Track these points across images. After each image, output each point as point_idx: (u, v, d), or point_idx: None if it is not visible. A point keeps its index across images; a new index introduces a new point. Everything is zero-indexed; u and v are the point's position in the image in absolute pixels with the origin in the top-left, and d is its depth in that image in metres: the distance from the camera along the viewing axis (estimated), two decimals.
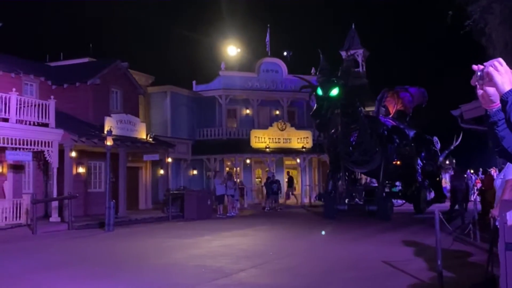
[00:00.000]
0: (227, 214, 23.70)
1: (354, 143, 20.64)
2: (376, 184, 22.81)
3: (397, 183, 25.25)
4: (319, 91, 18.66)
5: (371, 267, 9.58)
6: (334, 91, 18.48)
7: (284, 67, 35.46)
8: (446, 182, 34.18)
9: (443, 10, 13.67)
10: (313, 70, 32.97)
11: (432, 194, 25.60)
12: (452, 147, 27.43)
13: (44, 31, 59.51)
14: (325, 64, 19.83)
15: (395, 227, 17.43)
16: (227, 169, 32.12)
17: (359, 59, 38.70)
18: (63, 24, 61.77)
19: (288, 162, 34.49)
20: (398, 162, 22.48)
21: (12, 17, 49.42)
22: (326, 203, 21.85)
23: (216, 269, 9.45)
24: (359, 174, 25.52)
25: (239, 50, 37.24)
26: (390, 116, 25.05)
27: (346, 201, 22.07)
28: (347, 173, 22.97)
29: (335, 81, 18.74)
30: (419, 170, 23.94)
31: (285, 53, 37.93)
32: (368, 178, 28.75)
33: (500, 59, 2.15)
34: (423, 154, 24.39)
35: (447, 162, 35.34)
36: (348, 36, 38.75)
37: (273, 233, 16.30)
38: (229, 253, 11.57)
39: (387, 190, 23.39)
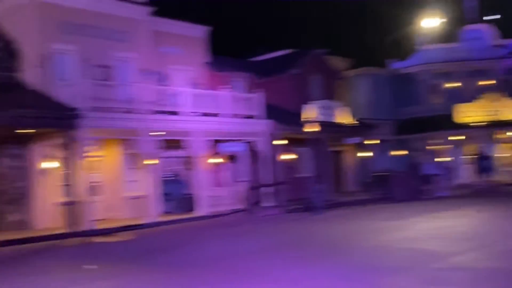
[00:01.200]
0: (437, 194, 22.73)
1: None
2: None
3: None
4: None
5: None
6: None
7: (490, 32, 32.50)
8: None
9: None
10: None
11: None
12: None
13: (246, 27, 63.45)
14: None
15: None
16: (432, 147, 30.72)
17: None
18: (264, 18, 65.08)
19: (502, 136, 31.62)
20: None
21: (216, 19, 53.57)
22: None
23: (429, 252, 9.19)
24: None
25: (436, 20, 35.17)
26: None
27: None
28: None
29: None
30: None
31: (489, 18, 34.72)
32: None
33: None
34: None
35: None
36: None
37: (490, 213, 15.18)
38: (440, 235, 11.14)
39: None
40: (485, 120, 29.55)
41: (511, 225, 12.41)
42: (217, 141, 20.13)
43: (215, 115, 19.85)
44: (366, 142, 25.98)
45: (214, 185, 21.24)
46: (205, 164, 21.39)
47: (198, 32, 23.28)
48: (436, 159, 24.16)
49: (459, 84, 32.25)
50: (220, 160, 22.09)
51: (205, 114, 19.36)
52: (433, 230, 12.03)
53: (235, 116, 20.61)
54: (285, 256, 9.71)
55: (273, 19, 63.10)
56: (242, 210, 19.39)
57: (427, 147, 30.72)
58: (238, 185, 20.55)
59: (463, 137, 31.42)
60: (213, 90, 20.23)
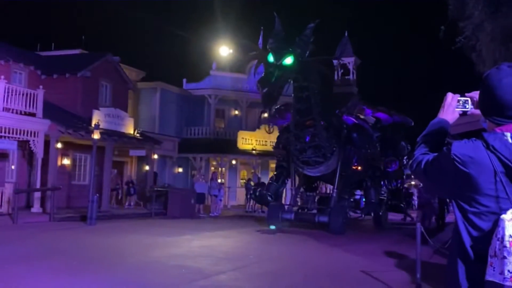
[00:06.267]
0: (210, 214, 23.69)
1: (308, 138, 17.39)
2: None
3: (358, 192, 22.21)
4: (270, 57, 15.44)
5: (350, 275, 9.64)
6: (288, 60, 15.28)
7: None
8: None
9: (436, 25, 13.78)
10: None
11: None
12: None
13: (37, 19, 59.03)
14: (280, 29, 16.35)
15: (373, 236, 17.55)
16: (212, 168, 32.09)
17: (350, 66, 38.90)
18: (56, 14, 61.29)
19: (273, 165, 34.51)
20: (359, 168, 19.46)
21: (3, 3, 48.98)
22: (270, 211, 18.60)
23: (196, 270, 9.45)
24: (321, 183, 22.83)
25: (231, 51, 37.24)
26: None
27: (294, 209, 19.04)
28: (299, 177, 20.15)
29: (291, 50, 15.51)
30: (383, 178, 21.53)
31: None
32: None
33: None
34: (387, 159, 21.35)
35: None
36: (340, 43, 38.92)
37: (254, 235, 16.32)
38: (209, 254, 11.57)
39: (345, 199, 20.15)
40: (263, 149, 32.00)
41: (268, 248, 13.48)
42: None
43: None
44: (150, 156, 25.93)
45: None
46: None
47: None
48: (214, 180, 25.23)
49: (243, 112, 34.44)
50: None
51: None
52: (202, 248, 12.44)
53: (11, 111, 18.82)
54: (47, 267, 9.03)
55: (58, 15, 59.85)
56: (6, 214, 17.63)
57: (209, 168, 31.99)
58: (5, 186, 18.68)
59: (242, 162, 33.53)
60: None
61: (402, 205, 23.21)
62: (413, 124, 22.21)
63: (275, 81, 15.03)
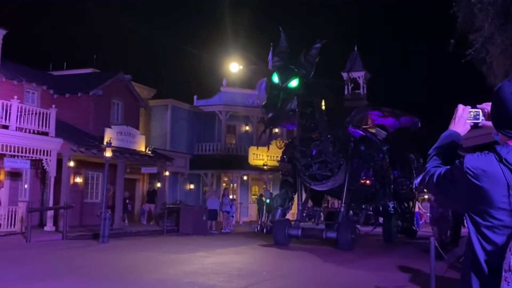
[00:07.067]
0: (222, 231, 23.61)
1: (314, 153, 16.95)
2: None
3: (367, 207, 21.85)
4: (275, 78, 14.80)
5: None
6: (293, 83, 14.76)
7: None
8: (419, 208, 31.52)
9: (445, 38, 13.78)
10: None
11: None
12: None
13: (49, 40, 59.87)
14: (285, 45, 15.55)
15: (386, 251, 17.36)
16: (224, 185, 32.07)
17: (360, 81, 38.96)
18: (68, 34, 62.16)
19: None
20: (368, 182, 19.11)
21: (17, 24, 49.77)
22: (276, 227, 18.29)
23: (209, 287, 9.41)
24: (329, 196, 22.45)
25: (241, 67, 37.43)
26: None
27: (301, 225, 18.55)
28: (306, 191, 19.70)
29: (296, 71, 14.89)
30: (391, 192, 21.06)
31: None
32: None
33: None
34: (396, 173, 21.03)
35: None
36: (350, 58, 39.05)
37: (266, 252, 16.23)
38: (222, 271, 11.52)
39: (354, 213, 20.29)
40: (274, 164, 31.89)
41: (282, 264, 13.39)
42: None
43: (4, 127, 18.10)
44: (162, 173, 26.00)
45: None
46: None
47: None
48: (226, 197, 25.18)
49: (254, 128, 34.48)
50: (1, 176, 20.07)
51: None
52: (215, 265, 12.39)
53: (24, 130, 19.01)
54: (58, 285, 9.05)
55: (70, 35, 60.61)
56: (19, 233, 17.73)
57: (221, 184, 31.98)
58: (19, 205, 18.81)
59: (254, 178, 33.48)
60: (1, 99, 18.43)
61: (414, 227, 22.95)
62: (420, 125, 21.19)
63: (281, 105, 14.59)
